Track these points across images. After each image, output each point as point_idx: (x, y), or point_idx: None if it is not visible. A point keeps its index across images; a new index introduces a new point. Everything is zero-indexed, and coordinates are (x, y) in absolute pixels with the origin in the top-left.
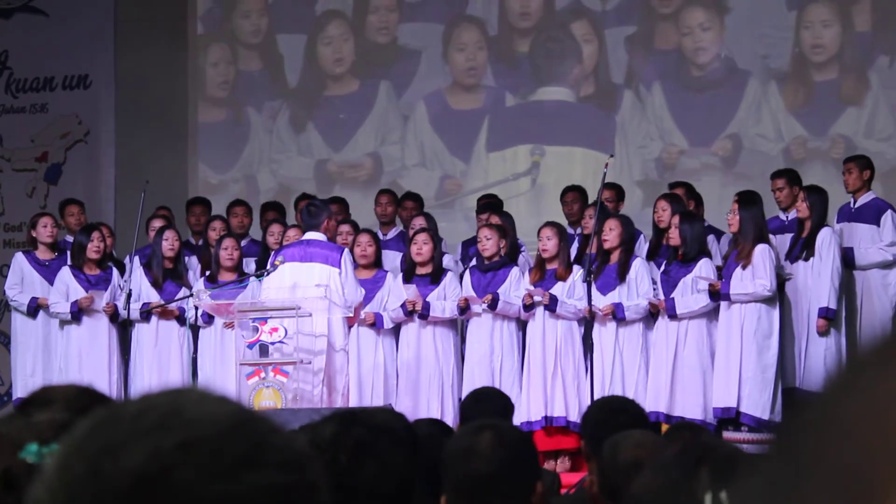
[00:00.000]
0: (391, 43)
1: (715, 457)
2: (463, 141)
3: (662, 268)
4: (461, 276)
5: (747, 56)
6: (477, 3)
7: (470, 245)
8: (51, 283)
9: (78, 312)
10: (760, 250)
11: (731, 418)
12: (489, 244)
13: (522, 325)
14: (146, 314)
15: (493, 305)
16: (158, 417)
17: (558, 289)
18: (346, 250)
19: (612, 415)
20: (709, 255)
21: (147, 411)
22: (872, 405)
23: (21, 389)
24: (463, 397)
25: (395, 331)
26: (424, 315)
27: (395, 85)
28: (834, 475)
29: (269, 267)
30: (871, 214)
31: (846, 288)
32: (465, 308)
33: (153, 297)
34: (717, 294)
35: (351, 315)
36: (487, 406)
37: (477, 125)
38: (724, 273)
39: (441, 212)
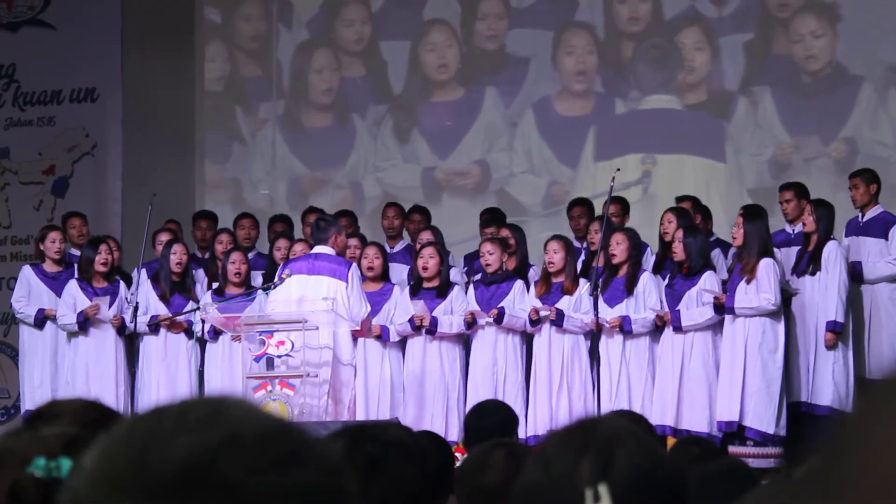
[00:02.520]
0: (499, 50)
1: (597, 444)
2: (571, 148)
3: (667, 281)
4: (465, 289)
5: (860, 62)
6: (585, 8)
7: (474, 258)
8: (58, 295)
9: (84, 322)
10: (765, 264)
11: (736, 432)
12: (492, 259)
13: (527, 338)
14: (154, 327)
15: (498, 319)
16: (202, 416)
17: (564, 302)
18: (354, 265)
19: None
20: (713, 269)
21: (190, 410)
22: None
23: (29, 401)
24: (467, 410)
25: (402, 344)
26: (432, 331)
27: (502, 92)
28: (877, 487)
29: (276, 280)
30: (879, 228)
31: (854, 302)
32: (471, 323)
33: (161, 310)
34: (722, 308)
35: (358, 328)
36: (492, 418)
37: (586, 132)
38: (728, 287)
39: (548, 221)
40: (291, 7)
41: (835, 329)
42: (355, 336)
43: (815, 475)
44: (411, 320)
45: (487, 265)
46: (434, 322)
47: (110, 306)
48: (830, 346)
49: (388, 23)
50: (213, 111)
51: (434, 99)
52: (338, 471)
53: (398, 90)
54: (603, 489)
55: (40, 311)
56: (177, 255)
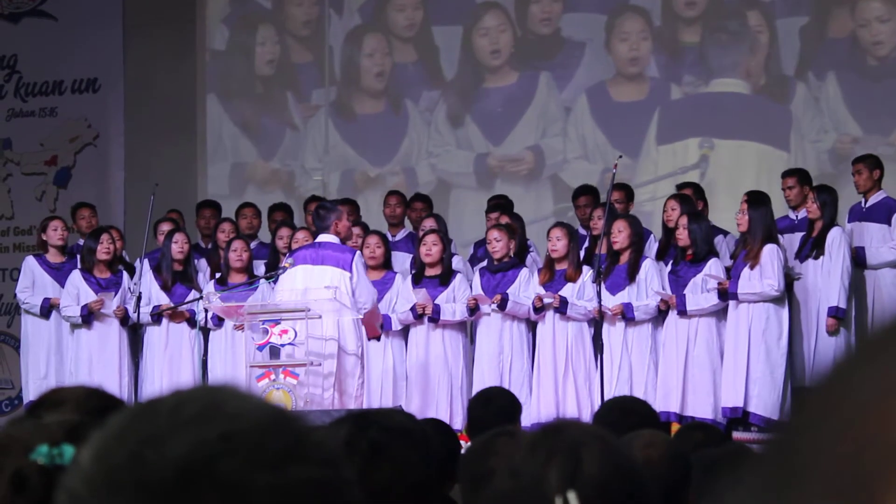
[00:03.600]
0: (553, 34)
1: (564, 450)
2: (626, 133)
3: (670, 268)
4: (469, 274)
5: None
6: None
7: (478, 246)
8: (62, 285)
9: (88, 316)
10: (769, 250)
11: (740, 419)
12: (499, 245)
13: (532, 326)
14: (157, 317)
15: (502, 306)
16: (198, 410)
17: (568, 290)
18: (358, 253)
19: (623, 415)
20: (717, 256)
21: (185, 404)
22: (874, 396)
23: (33, 392)
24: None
25: (404, 333)
26: (435, 319)
27: (556, 76)
28: (833, 468)
29: (279, 269)
30: (882, 213)
31: (857, 287)
32: (474, 308)
33: (163, 300)
34: (726, 294)
35: (361, 317)
36: (495, 406)
37: (640, 117)
38: (732, 273)
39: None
40: None
41: (837, 314)
42: (369, 336)
43: (781, 449)
44: (413, 308)
45: (494, 251)
46: (436, 310)
47: (114, 299)
48: (832, 332)
49: (440, 7)
50: (264, 97)
51: (487, 84)
52: (336, 461)
53: (450, 76)
54: (572, 496)
55: (46, 300)
56: (178, 245)
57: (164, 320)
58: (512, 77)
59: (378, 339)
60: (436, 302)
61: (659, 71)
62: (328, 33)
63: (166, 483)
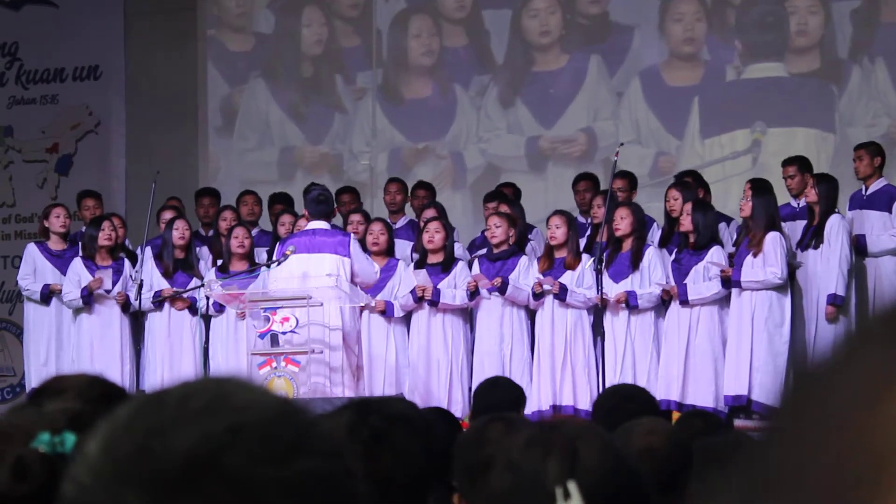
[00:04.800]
0: (602, 16)
1: (561, 444)
2: (679, 117)
3: (674, 256)
4: (469, 265)
5: None
6: None
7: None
8: (63, 273)
9: (88, 297)
10: (772, 238)
11: (742, 406)
12: (498, 232)
13: (532, 314)
14: (158, 303)
15: (502, 289)
16: (205, 402)
17: (567, 277)
18: (353, 235)
19: (622, 402)
20: (720, 244)
21: (192, 396)
22: (855, 403)
23: (35, 379)
24: (474, 386)
25: (406, 319)
26: (434, 302)
27: (607, 60)
28: (816, 479)
29: (279, 256)
30: (882, 201)
31: (858, 275)
32: (474, 291)
33: (164, 287)
34: (729, 281)
35: (362, 304)
36: (499, 395)
37: (693, 101)
38: (735, 260)
39: (655, 191)
40: None
41: (835, 302)
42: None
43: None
44: (413, 291)
45: (493, 237)
46: (436, 293)
47: (114, 281)
48: (831, 320)
49: None
50: (312, 80)
51: (537, 67)
52: (342, 453)
53: (500, 59)
54: (572, 486)
55: (46, 286)
56: (179, 231)
57: (166, 307)
58: (562, 60)
59: (382, 313)
60: (436, 287)
61: (711, 53)
62: (376, 16)
63: (173, 475)
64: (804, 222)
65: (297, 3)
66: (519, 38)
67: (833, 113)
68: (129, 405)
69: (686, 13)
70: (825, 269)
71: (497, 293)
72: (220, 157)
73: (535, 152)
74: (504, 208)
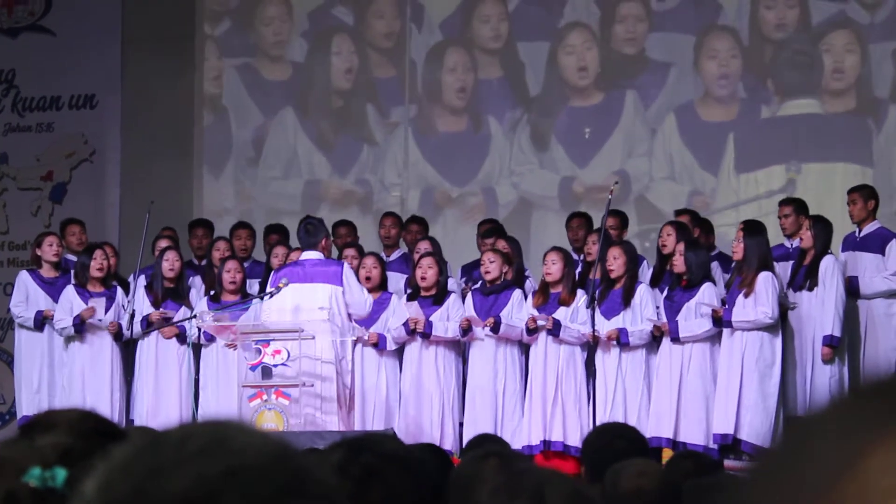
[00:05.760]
0: (638, 53)
1: (528, 490)
2: (714, 155)
3: (665, 293)
4: (463, 299)
5: None
6: (729, 13)
7: (471, 269)
8: (55, 300)
9: (81, 325)
10: (763, 278)
11: (731, 446)
12: (492, 268)
13: (525, 349)
14: (147, 326)
15: (495, 329)
16: (203, 445)
17: (561, 313)
18: (346, 263)
19: (611, 440)
20: (713, 282)
21: (190, 438)
22: (822, 484)
23: (26, 407)
24: (464, 421)
25: (398, 352)
26: (427, 334)
27: (642, 96)
28: None
29: (271, 288)
30: (876, 243)
31: (850, 317)
32: (467, 329)
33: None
34: (720, 321)
35: (354, 338)
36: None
37: (728, 139)
38: (727, 300)
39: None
40: (423, 8)
41: (832, 343)
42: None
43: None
44: (406, 323)
45: (487, 273)
46: (429, 325)
47: (106, 310)
48: (827, 361)
49: (525, 22)
50: (342, 111)
51: (572, 103)
52: (335, 498)
53: (535, 91)
54: None
55: (39, 312)
56: (169, 262)
57: (155, 337)
58: (597, 97)
59: (374, 346)
60: (429, 319)
61: (747, 91)
62: (409, 47)
63: None
64: (794, 263)
65: (328, 32)
66: (554, 73)
67: (870, 151)
68: (127, 447)
69: (721, 50)
70: (820, 311)
71: (490, 332)
72: (248, 186)
73: (567, 193)
74: (501, 244)
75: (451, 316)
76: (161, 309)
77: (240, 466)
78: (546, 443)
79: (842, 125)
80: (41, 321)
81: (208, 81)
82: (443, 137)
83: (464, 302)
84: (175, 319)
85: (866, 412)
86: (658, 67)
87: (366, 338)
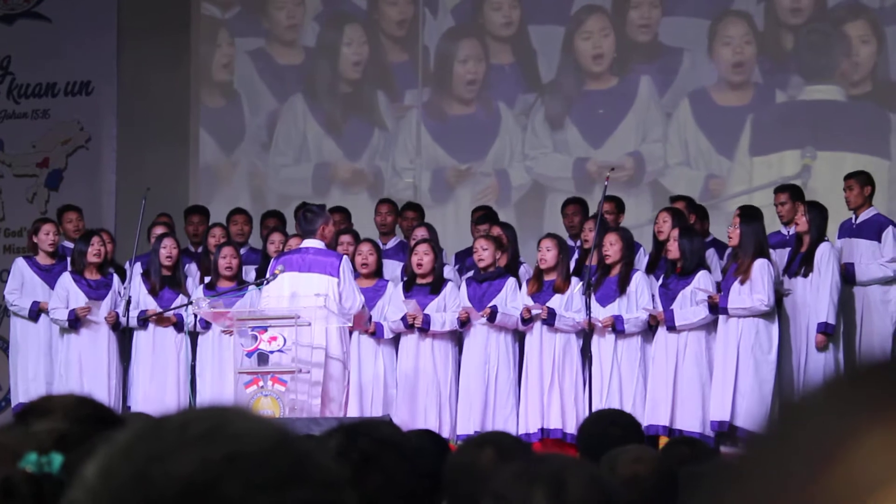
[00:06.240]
0: (652, 39)
1: (547, 475)
2: (729, 140)
3: (661, 281)
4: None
5: None
6: None
7: (465, 256)
8: (51, 288)
9: (75, 321)
10: (759, 265)
11: (727, 432)
12: (485, 254)
13: (519, 337)
14: (143, 321)
15: (491, 318)
16: (205, 430)
17: (556, 301)
18: (345, 258)
19: (606, 427)
20: (708, 269)
21: (192, 423)
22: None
23: (23, 394)
24: (459, 406)
25: (395, 341)
26: (425, 328)
27: (657, 81)
28: None
29: (268, 275)
30: (872, 230)
31: (846, 303)
32: (465, 321)
33: (150, 304)
34: (716, 307)
35: (350, 324)
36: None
37: (744, 123)
38: (722, 287)
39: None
40: None
41: (826, 331)
42: (351, 330)
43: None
44: (404, 318)
45: (480, 260)
46: (427, 320)
47: (101, 297)
48: (821, 348)
49: (537, 6)
50: (352, 96)
51: (587, 87)
52: (338, 484)
53: (548, 77)
54: None
55: (35, 303)
56: (167, 249)
57: (151, 325)
58: (612, 80)
59: (372, 334)
60: (426, 311)
61: (763, 76)
62: (422, 33)
63: (170, 501)
64: (791, 250)
65: (340, 18)
66: (571, 58)
67: (882, 136)
68: (128, 431)
69: (735, 37)
70: (814, 297)
71: (487, 322)
72: (261, 171)
73: (582, 174)
74: (495, 230)
75: (448, 305)
76: (158, 301)
77: (241, 452)
78: (544, 430)
79: (861, 113)
80: (36, 312)
81: (218, 67)
82: (453, 121)
83: (458, 289)
84: (170, 308)
85: (858, 395)
86: (672, 53)
87: (367, 324)
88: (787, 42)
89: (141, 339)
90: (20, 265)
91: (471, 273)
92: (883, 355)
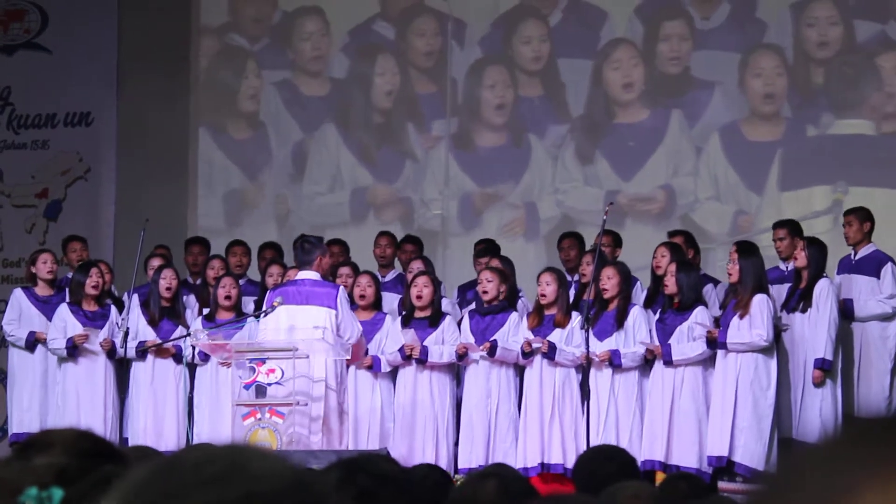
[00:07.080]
0: (683, 72)
1: None
2: (759, 175)
3: (658, 315)
4: (459, 321)
5: None
6: (773, 31)
7: (467, 289)
8: (49, 319)
9: (73, 349)
10: (758, 300)
11: (725, 468)
12: (490, 287)
13: (520, 371)
14: (142, 353)
15: (491, 352)
16: (220, 469)
17: (556, 335)
18: (341, 288)
19: (602, 464)
20: (705, 304)
21: (208, 462)
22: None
23: (17, 425)
24: (459, 442)
25: (393, 374)
26: (422, 360)
27: (687, 114)
28: None
29: (266, 307)
30: (871, 266)
31: (844, 340)
32: (463, 355)
33: (149, 335)
34: (714, 342)
35: (348, 358)
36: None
37: (773, 158)
38: (721, 322)
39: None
40: (465, 25)
41: (823, 366)
42: (349, 364)
43: None
44: (401, 349)
45: (485, 293)
46: (424, 351)
47: (100, 333)
48: (818, 384)
49: (567, 41)
50: (384, 127)
51: (617, 120)
52: None
53: (577, 111)
54: None
55: (31, 334)
56: (166, 281)
57: (150, 356)
58: (643, 114)
59: (369, 368)
60: (424, 343)
61: (793, 111)
62: (450, 64)
63: None
64: (790, 285)
65: (370, 49)
66: (600, 91)
67: None
68: (145, 468)
69: (766, 68)
70: (812, 333)
71: (486, 356)
72: (290, 202)
73: (613, 208)
74: (496, 263)
75: (446, 339)
76: (157, 332)
77: (257, 491)
78: (544, 465)
79: (891, 147)
80: (33, 343)
81: (245, 98)
82: (482, 151)
83: (460, 325)
84: (170, 339)
85: (858, 452)
86: (702, 86)
87: (365, 355)
88: (816, 76)
89: (139, 370)
90: (18, 296)
91: (473, 305)
92: (880, 411)
